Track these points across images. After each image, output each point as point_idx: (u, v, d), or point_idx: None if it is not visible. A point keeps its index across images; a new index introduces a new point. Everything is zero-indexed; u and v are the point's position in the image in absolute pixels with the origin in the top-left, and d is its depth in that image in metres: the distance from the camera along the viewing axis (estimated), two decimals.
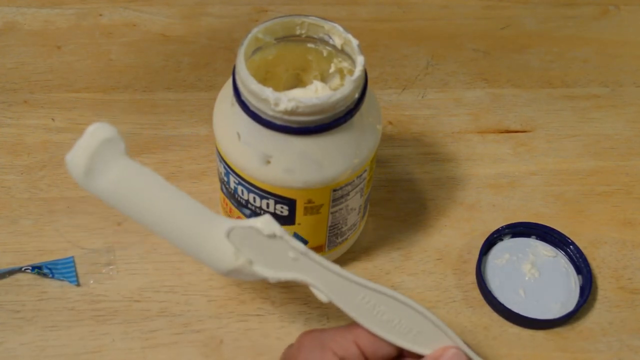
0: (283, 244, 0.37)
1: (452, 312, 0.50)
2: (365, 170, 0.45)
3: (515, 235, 0.53)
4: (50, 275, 0.49)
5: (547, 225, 0.53)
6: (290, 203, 0.43)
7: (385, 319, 0.38)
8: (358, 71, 0.41)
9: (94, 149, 0.36)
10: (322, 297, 0.38)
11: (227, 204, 0.48)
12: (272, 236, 0.37)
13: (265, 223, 0.37)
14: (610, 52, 0.69)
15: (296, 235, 0.46)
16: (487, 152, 0.60)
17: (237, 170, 0.43)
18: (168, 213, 0.37)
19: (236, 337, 0.48)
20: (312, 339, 0.39)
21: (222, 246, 0.37)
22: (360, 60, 0.41)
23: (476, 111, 0.63)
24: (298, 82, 0.49)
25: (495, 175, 0.58)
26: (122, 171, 0.36)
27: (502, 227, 0.53)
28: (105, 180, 0.36)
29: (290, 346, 0.40)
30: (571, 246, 0.52)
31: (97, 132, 0.36)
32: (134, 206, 0.37)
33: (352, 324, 0.39)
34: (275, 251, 0.37)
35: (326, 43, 0.45)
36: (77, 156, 0.36)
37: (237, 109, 0.42)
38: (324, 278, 0.38)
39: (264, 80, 0.47)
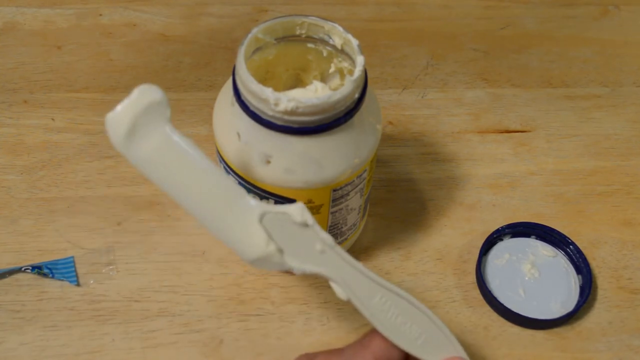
0: (312, 234, 0.37)
1: (452, 312, 0.50)
2: (365, 170, 0.45)
3: (515, 235, 0.53)
4: (50, 275, 0.49)
5: (547, 225, 0.53)
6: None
7: (398, 322, 0.38)
8: (358, 71, 0.41)
9: (139, 111, 0.34)
10: (342, 293, 0.37)
11: None
12: (304, 225, 0.36)
13: (298, 210, 0.36)
14: (610, 52, 0.69)
15: None
16: (487, 152, 0.60)
17: (237, 170, 0.43)
18: (202, 190, 0.35)
19: (236, 337, 0.48)
20: None
21: (254, 231, 0.36)
22: (360, 60, 0.41)
23: (476, 111, 0.63)
24: (298, 82, 0.49)
25: (495, 175, 0.58)
26: (163, 139, 0.34)
27: (502, 227, 0.53)
28: (144, 146, 0.34)
29: None
30: (571, 246, 0.52)
31: (145, 94, 0.34)
32: (168, 178, 0.35)
33: (365, 338, 0.38)
34: (303, 241, 0.37)
35: (326, 43, 0.45)
36: (121, 116, 0.33)
37: (237, 109, 0.42)
38: (347, 274, 0.37)
39: (264, 80, 0.47)
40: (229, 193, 0.36)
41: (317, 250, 0.37)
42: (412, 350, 0.38)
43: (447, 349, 0.38)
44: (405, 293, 0.38)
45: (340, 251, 0.37)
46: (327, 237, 0.37)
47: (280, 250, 0.36)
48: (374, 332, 0.38)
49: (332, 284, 0.37)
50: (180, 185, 0.35)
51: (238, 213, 0.36)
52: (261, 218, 0.36)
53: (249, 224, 0.36)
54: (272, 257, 0.36)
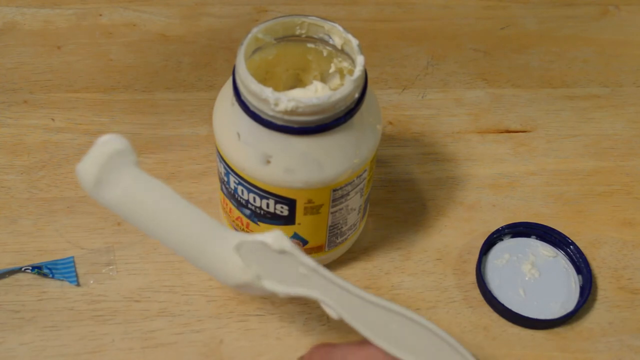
0: (293, 259, 0.37)
1: (452, 312, 0.50)
2: (365, 170, 0.45)
3: (515, 235, 0.53)
4: (50, 275, 0.49)
5: (547, 225, 0.53)
6: (290, 203, 0.43)
7: (398, 337, 0.37)
8: (358, 71, 0.41)
9: (104, 160, 0.36)
10: (332, 313, 0.37)
11: (227, 204, 0.48)
12: (282, 252, 0.37)
13: (275, 238, 0.37)
14: (610, 52, 0.69)
15: (296, 235, 0.46)
16: (487, 152, 0.60)
17: (237, 170, 0.43)
18: (176, 226, 0.37)
19: (236, 337, 0.48)
20: (323, 355, 0.38)
21: (230, 261, 0.37)
22: (360, 60, 0.41)
23: (476, 111, 0.63)
24: (298, 82, 0.49)
25: (495, 175, 0.58)
26: (131, 182, 0.36)
27: (502, 227, 0.53)
28: (114, 191, 0.36)
29: (301, 358, 0.40)
30: (571, 246, 0.52)
31: (109, 143, 0.36)
32: (142, 218, 0.37)
33: (365, 340, 0.38)
34: (285, 266, 0.37)
35: (326, 43, 0.45)
36: (88, 166, 0.36)
37: (237, 109, 0.42)
38: (335, 294, 0.37)
39: (264, 80, 0.47)
40: (204, 226, 0.37)
41: (300, 274, 0.37)
42: None
43: (454, 357, 0.38)
44: (399, 307, 0.37)
45: (325, 272, 0.37)
46: (309, 261, 0.37)
47: (259, 277, 0.37)
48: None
49: (322, 304, 0.38)
50: (154, 223, 0.37)
51: (213, 245, 0.37)
52: (238, 248, 0.37)
53: (225, 254, 0.37)
54: (252, 283, 0.37)
